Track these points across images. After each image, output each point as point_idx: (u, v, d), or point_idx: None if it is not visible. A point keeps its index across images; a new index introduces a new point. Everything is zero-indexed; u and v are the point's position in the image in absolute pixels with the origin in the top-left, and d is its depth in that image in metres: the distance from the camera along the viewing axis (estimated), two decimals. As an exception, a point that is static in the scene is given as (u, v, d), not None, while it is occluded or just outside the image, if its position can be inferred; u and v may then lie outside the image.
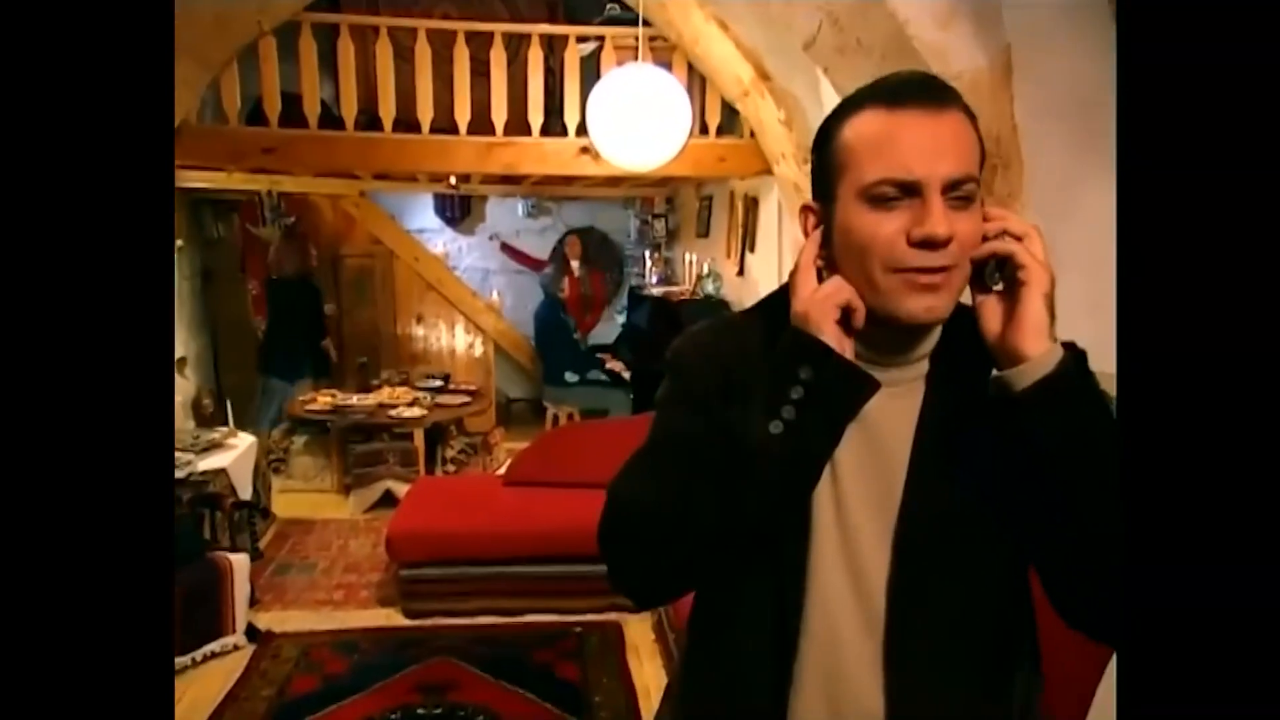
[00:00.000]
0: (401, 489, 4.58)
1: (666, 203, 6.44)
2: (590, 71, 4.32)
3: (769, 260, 4.64)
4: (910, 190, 0.76)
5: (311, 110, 4.13)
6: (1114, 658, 1.36)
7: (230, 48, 3.91)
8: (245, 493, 3.88)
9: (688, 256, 5.33)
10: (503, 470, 5.00)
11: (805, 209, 0.87)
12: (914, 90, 0.78)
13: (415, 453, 4.63)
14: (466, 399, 5.07)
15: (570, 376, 5.30)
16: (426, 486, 3.91)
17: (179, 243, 5.32)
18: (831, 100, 3.32)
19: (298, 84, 4.11)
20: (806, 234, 0.86)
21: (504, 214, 6.88)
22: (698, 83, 4.27)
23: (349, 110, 4.16)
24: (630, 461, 0.92)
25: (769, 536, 0.84)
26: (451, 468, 4.88)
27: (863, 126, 0.79)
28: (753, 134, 4.27)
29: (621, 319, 6.98)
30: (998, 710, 0.86)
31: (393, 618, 3.36)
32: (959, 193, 0.76)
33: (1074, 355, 0.77)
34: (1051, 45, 1.90)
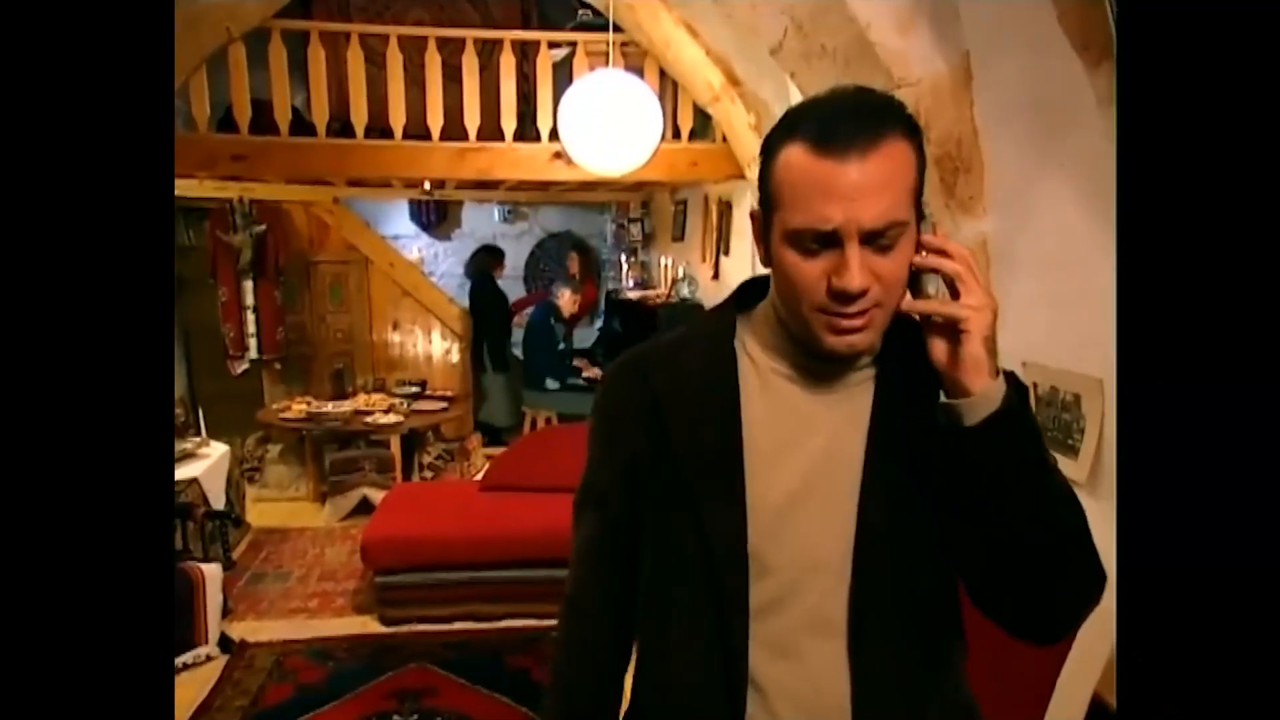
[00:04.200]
0: (378, 496, 4.55)
1: (642, 207, 6.47)
2: (563, 77, 4.34)
3: (743, 263, 4.68)
4: (830, 240, 0.77)
5: (283, 117, 4.11)
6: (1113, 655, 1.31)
7: (199, 54, 3.89)
8: (218, 502, 3.85)
9: (663, 260, 5.36)
10: (480, 476, 5.01)
11: (753, 216, 0.89)
12: (844, 128, 0.76)
13: (392, 459, 4.61)
14: (443, 405, 5.06)
15: (551, 383, 5.30)
16: (402, 493, 3.89)
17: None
18: (800, 104, 3.37)
19: (268, 91, 4.09)
20: (758, 238, 0.88)
21: (480, 219, 6.88)
22: (670, 88, 4.31)
23: (320, 117, 4.14)
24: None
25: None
26: (429, 474, 4.87)
27: (790, 166, 0.78)
28: (724, 138, 4.31)
29: (598, 324, 7.00)
30: (945, 678, 0.91)
31: (368, 625, 3.34)
32: (883, 240, 0.77)
33: (1016, 389, 0.81)
34: (1008, 48, 1.94)
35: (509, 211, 6.87)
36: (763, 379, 0.90)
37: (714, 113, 4.06)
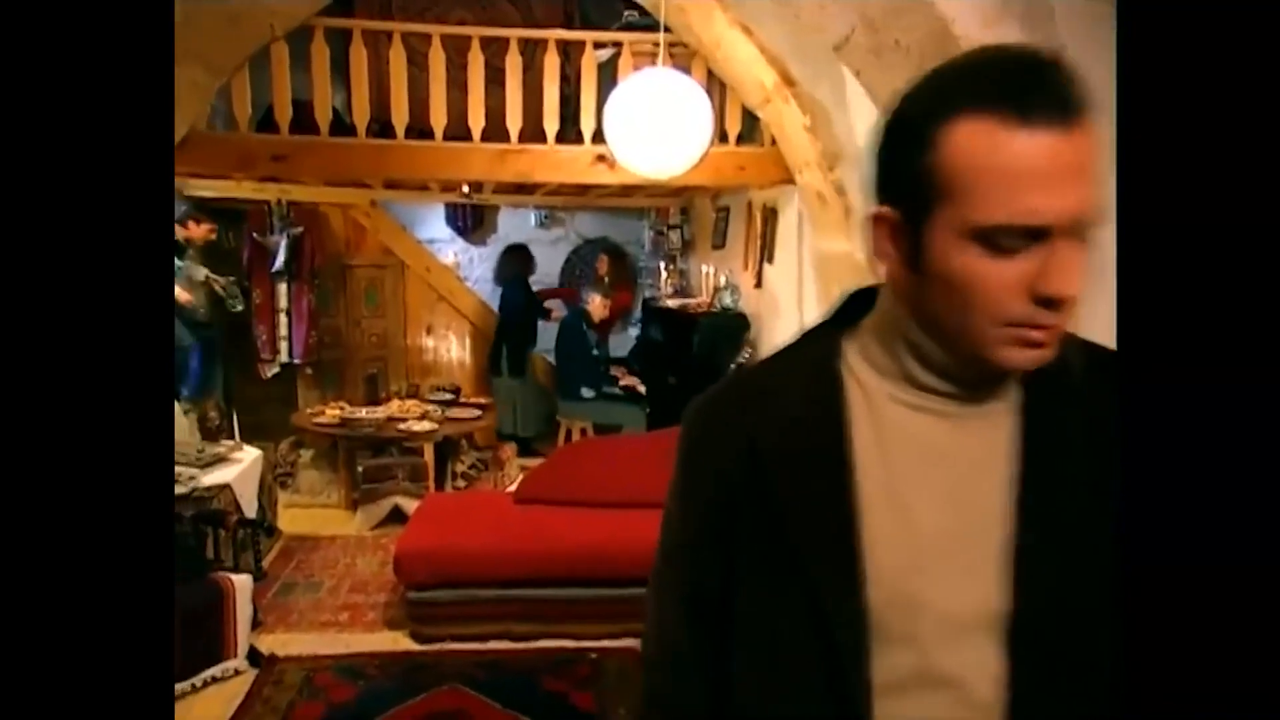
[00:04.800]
0: (410, 505, 4.46)
1: (681, 213, 6.33)
2: (607, 78, 4.23)
3: (788, 272, 4.52)
4: (1037, 235, 0.62)
5: (323, 116, 4.04)
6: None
7: (241, 53, 3.83)
8: (250, 509, 3.77)
9: (704, 268, 5.22)
10: (514, 487, 4.90)
11: (880, 219, 0.71)
12: (1043, 93, 0.60)
13: (425, 468, 4.52)
14: (478, 413, 4.96)
15: (587, 392, 5.17)
16: (435, 504, 3.78)
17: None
18: (860, 105, 3.21)
19: (309, 91, 4.03)
20: (884, 253, 0.71)
21: (516, 224, 6.79)
22: (717, 89, 4.17)
23: (361, 117, 4.07)
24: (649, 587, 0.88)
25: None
26: (462, 483, 4.76)
27: (976, 145, 0.62)
28: (774, 142, 4.16)
29: (634, 331, 6.87)
30: None
31: (400, 641, 3.23)
32: (1085, 233, 0.63)
33: None
34: (1106, 45, 1.79)
35: (545, 217, 6.77)
36: (878, 410, 0.75)
37: (764, 115, 3.92)
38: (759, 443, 0.76)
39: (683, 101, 3.16)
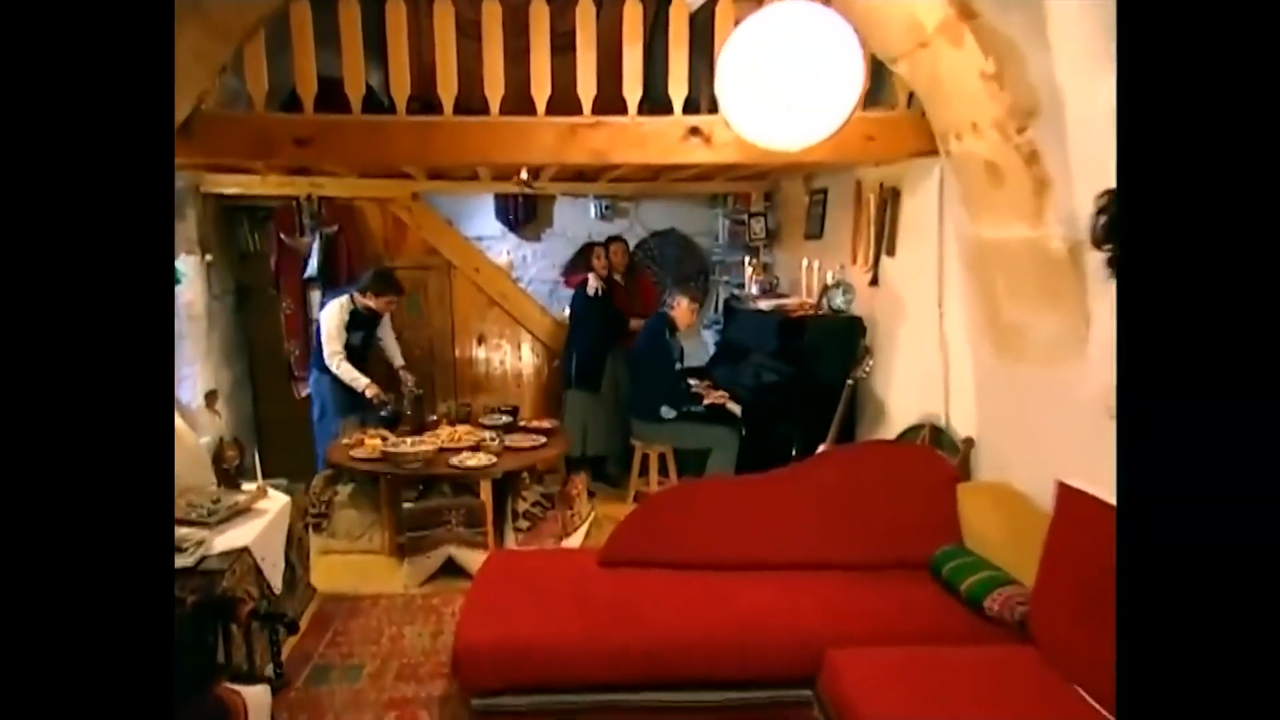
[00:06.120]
0: (466, 556, 3.74)
1: (765, 199, 5.50)
2: (702, 36, 3.43)
3: (919, 266, 3.67)
4: None
5: (355, 91, 3.32)
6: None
7: (254, 11, 3.12)
8: (275, 576, 3.07)
9: (807, 262, 4.38)
10: (582, 533, 4.14)
11: None
12: None
13: (482, 510, 3.78)
14: (541, 439, 4.20)
15: (667, 411, 4.37)
16: (500, 568, 3.03)
17: (209, 258, 4.59)
18: (1065, 42, 2.36)
19: (337, 67, 3.31)
20: None
21: (574, 216, 6.02)
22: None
23: (400, 92, 3.34)
24: None
25: None
26: (524, 524, 4.01)
27: None
28: (910, 102, 3.33)
29: (707, 334, 6.06)
30: None
31: (462, 761, 2.50)
32: None
33: None
34: None
35: (606, 207, 5.99)
36: None
37: (904, 69, 3.07)
38: None
39: (826, 43, 2.34)
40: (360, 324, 4.34)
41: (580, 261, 5.01)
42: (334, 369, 4.24)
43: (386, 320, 4.54)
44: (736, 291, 5.33)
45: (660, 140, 3.38)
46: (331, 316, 4.25)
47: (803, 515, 3.10)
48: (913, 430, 3.73)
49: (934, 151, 3.37)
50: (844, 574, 2.91)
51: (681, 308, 4.55)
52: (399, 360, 4.57)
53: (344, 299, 4.28)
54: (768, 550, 3.03)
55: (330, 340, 4.23)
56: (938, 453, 3.30)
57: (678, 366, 4.69)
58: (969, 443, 3.29)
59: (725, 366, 4.84)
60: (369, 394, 4.24)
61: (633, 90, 3.35)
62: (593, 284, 4.90)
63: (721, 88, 2.49)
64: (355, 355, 4.34)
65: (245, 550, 2.90)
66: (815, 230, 4.81)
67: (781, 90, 2.42)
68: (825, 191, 4.76)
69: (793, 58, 2.37)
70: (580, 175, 5.10)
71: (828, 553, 3.01)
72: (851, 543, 3.04)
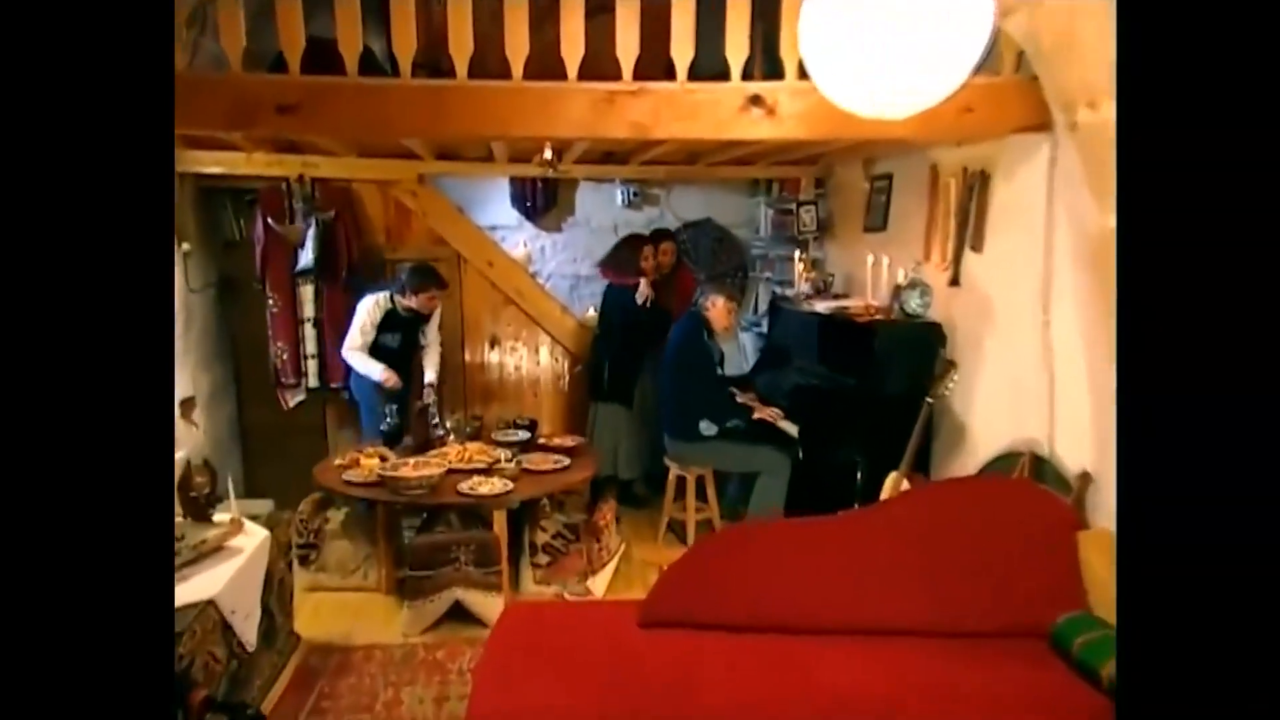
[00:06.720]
0: (477, 600, 3.19)
1: (816, 185, 4.92)
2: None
3: (1016, 265, 3.10)
4: None
5: (350, 50, 2.76)
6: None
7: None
8: (249, 631, 2.54)
9: (871, 259, 3.80)
10: (612, 566, 3.58)
11: None
12: None
13: (495, 545, 3.23)
14: (564, 460, 3.64)
15: (708, 427, 3.80)
16: (518, 627, 2.48)
17: (186, 247, 4.05)
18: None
19: (331, 29, 2.76)
20: None
21: (598, 204, 5.46)
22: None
23: (404, 50, 2.78)
24: None
25: None
26: (543, 559, 3.46)
27: None
28: (1019, 65, 2.76)
29: (745, 338, 5.48)
30: None
31: None
32: None
33: None
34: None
35: (634, 194, 5.42)
36: None
37: (1020, 22, 2.50)
38: None
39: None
40: (397, 325, 3.99)
41: (624, 253, 4.41)
42: (345, 358, 3.94)
43: (434, 322, 4.15)
44: (784, 290, 4.75)
45: (714, 112, 2.81)
46: (363, 310, 3.94)
47: (888, 566, 2.54)
48: (1004, 459, 3.16)
49: (1041, 126, 2.80)
50: (944, 644, 2.36)
51: (718, 308, 3.97)
52: (431, 375, 4.13)
53: (381, 295, 3.96)
54: (848, 609, 2.47)
55: (353, 333, 3.92)
56: (1052, 492, 2.73)
57: (720, 374, 4.12)
58: (1085, 478, 2.72)
59: (769, 373, 4.28)
60: (385, 381, 3.90)
61: (683, 51, 2.78)
62: (643, 291, 4.33)
63: (806, 35, 1.92)
64: (394, 361, 3.98)
65: (210, 603, 2.37)
66: (877, 222, 4.23)
67: (885, 40, 1.83)
68: (890, 177, 4.17)
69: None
70: (608, 157, 4.54)
71: (920, 614, 2.46)
72: (950, 603, 2.48)
